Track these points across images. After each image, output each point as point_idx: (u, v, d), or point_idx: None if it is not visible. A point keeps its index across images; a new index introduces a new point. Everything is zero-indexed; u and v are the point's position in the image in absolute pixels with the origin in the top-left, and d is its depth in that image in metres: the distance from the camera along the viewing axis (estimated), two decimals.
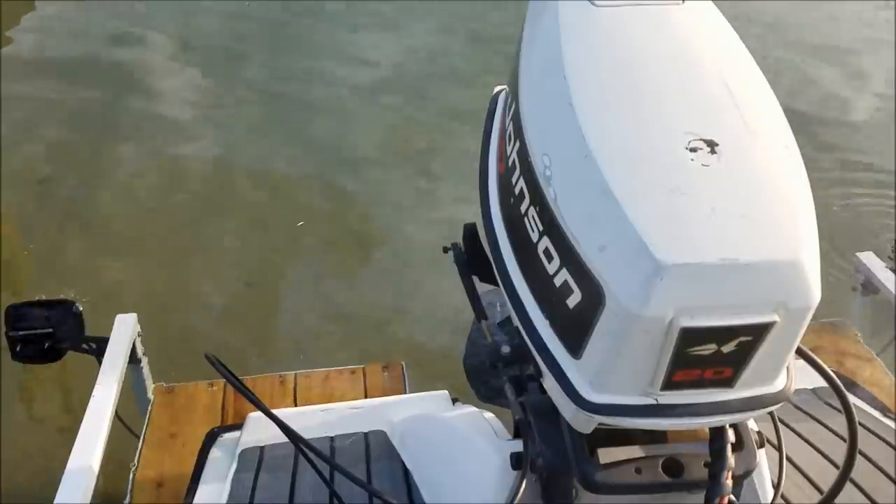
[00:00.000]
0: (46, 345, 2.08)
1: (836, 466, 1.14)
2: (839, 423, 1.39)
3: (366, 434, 1.60)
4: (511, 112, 1.00)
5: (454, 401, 1.69)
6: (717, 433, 0.90)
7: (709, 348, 0.78)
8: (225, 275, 3.96)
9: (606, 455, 0.94)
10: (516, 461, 1.06)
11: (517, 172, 0.94)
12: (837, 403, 1.01)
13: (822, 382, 0.99)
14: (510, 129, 1.00)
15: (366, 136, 4.99)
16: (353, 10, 6.42)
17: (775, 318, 0.77)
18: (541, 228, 0.87)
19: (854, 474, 1.04)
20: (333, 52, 5.86)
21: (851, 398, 1.01)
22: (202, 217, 4.33)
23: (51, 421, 3.25)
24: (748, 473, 0.96)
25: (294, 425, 1.06)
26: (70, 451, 1.70)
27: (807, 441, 1.50)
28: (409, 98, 5.40)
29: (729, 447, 0.90)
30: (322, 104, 5.30)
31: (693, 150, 0.81)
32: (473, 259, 1.19)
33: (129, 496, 2.04)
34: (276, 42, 5.99)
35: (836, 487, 1.04)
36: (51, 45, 5.98)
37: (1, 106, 5.02)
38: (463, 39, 6.06)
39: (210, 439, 1.71)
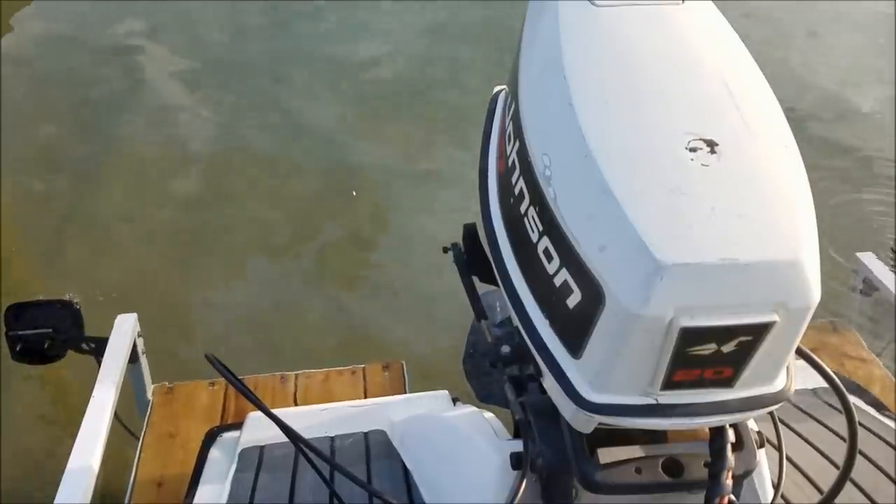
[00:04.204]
0: (46, 345, 2.07)
1: (836, 466, 1.14)
2: (839, 423, 1.39)
3: (366, 434, 1.60)
4: (511, 112, 1.00)
5: (454, 401, 1.69)
6: (717, 433, 0.90)
7: (709, 348, 0.78)
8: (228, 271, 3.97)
9: (606, 455, 0.94)
10: (516, 461, 1.06)
11: (517, 172, 0.94)
12: (837, 403, 1.01)
13: (822, 382, 0.99)
14: (510, 129, 1.00)
15: None
16: None
17: (775, 318, 0.77)
18: (541, 228, 0.87)
19: (854, 474, 1.04)
20: None
21: (851, 398, 1.01)
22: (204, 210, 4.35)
23: (51, 421, 3.25)
24: (748, 473, 0.96)
25: (294, 425, 1.06)
26: (70, 451, 1.70)
27: (807, 441, 1.50)
28: None
29: (729, 447, 0.90)
30: None
31: (693, 150, 0.81)
32: (473, 259, 1.19)
33: (129, 496, 2.04)
34: None
35: (836, 487, 1.04)
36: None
37: (1, 104, 5.01)
38: None
39: (210, 439, 1.71)
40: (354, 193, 4.43)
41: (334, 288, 3.90)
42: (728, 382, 0.82)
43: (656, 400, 0.82)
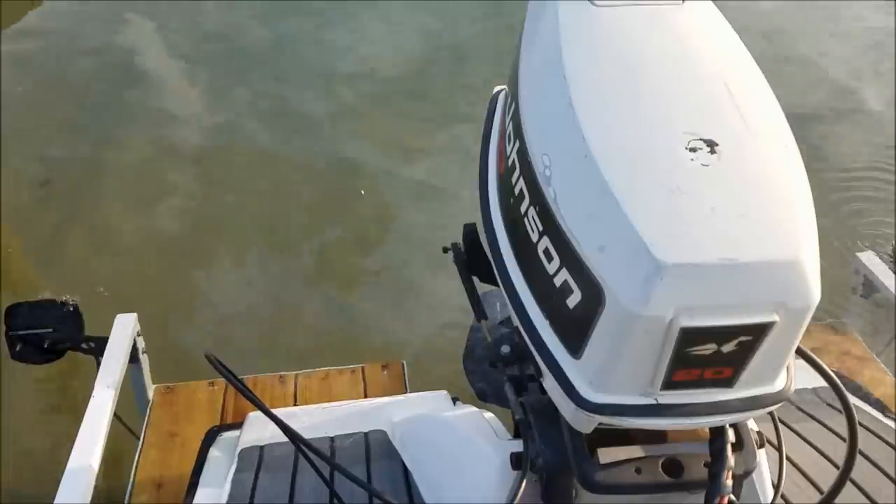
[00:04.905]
0: (46, 344, 2.08)
1: (836, 466, 1.14)
2: (839, 423, 1.39)
3: (366, 434, 1.59)
4: (511, 112, 1.00)
5: (454, 401, 1.69)
6: (717, 433, 0.91)
7: (709, 348, 0.78)
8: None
9: (606, 455, 0.94)
10: (516, 461, 1.06)
11: (517, 172, 0.94)
12: (837, 403, 1.01)
13: (822, 382, 0.99)
14: (510, 129, 1.00)
15: None
16: None
17: (775, 318, 0.77)
18: (541, 228, 0.87)
19: (854, 474, 1.04)
20: None
21: (851, 398, 1.01)
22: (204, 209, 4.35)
23: (51, 420, 3.25)
24: (748, 473, 0.96)
25: (294, 425, 1.06)
26: (70, 451, 1.70)
27: (807, 441, 1.50)
28: None
29: (729, 447, 0.90)
30: None
31: (693, 150, 0.81)
32: (473, 259, 1.19)
33: (129, 496, 2.04)
34: None
35: (836, 487, 1.04)
36: None
37: (1, 103, 5.01)
38: None
39: (210, 439, 1.71)
40: (363, 192, 4.44)
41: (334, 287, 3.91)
42: (728, 382, 0.82)
43: (656, 400, 0.82)
